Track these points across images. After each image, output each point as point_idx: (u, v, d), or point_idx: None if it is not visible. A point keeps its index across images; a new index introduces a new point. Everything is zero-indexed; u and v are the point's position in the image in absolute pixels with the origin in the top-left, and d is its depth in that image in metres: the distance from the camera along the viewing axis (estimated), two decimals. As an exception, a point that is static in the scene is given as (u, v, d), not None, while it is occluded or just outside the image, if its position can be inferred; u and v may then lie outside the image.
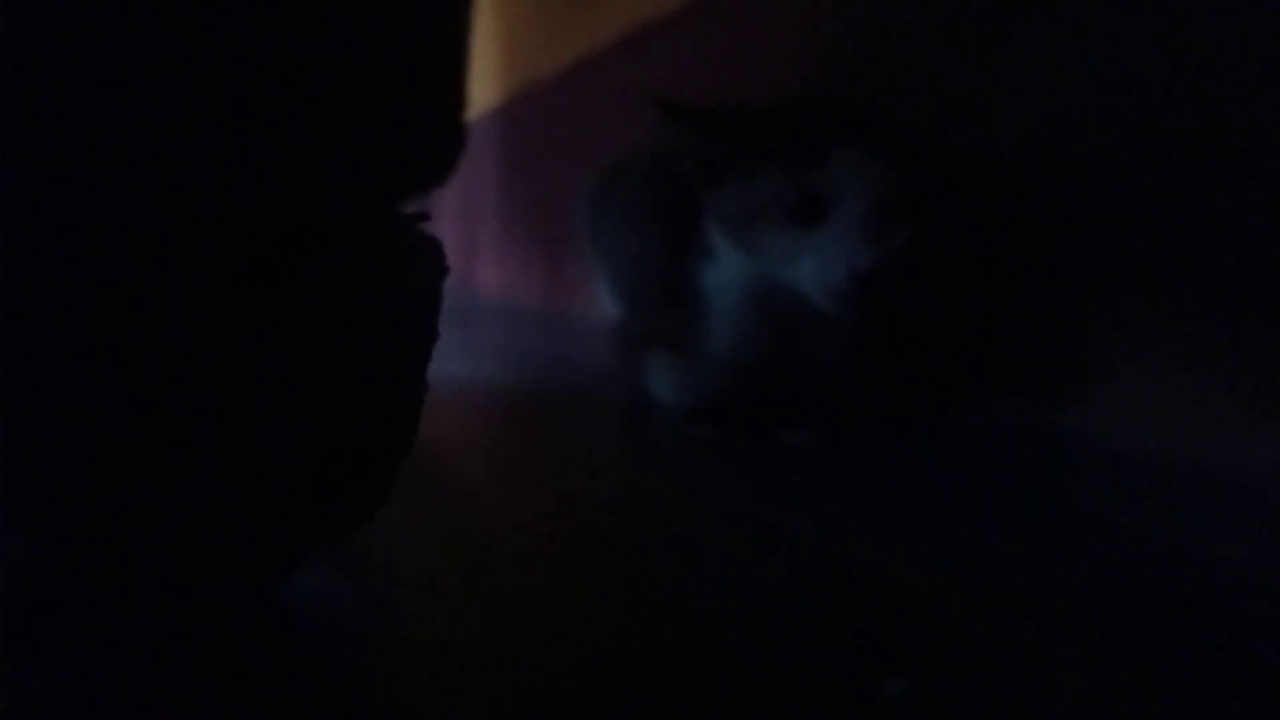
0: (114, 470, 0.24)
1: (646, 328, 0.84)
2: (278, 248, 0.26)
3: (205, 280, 0.24)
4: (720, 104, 0.77)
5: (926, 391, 0.84)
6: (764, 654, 0.33)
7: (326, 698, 0.30)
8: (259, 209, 0.25)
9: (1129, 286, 0.68)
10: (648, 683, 0.30)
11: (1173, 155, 0.65)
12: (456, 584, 0.39)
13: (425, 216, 0.32)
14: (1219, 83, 0.62)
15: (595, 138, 1.66)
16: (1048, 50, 0.74)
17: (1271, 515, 0.49)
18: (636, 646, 0.33)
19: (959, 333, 0.83)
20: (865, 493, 0.54)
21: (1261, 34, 0.60)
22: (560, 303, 1.83)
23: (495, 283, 2.28)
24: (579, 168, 1.47)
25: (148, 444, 0.24)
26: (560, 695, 0.30)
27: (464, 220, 2.52)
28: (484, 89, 2.27)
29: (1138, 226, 0.67)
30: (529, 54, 2.01)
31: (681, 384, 0.79)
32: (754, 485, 0.56)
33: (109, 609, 0.27)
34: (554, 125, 1.88)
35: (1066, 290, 0.73)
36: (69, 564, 0.25)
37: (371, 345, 0.29)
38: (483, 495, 0.53)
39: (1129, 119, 0.68)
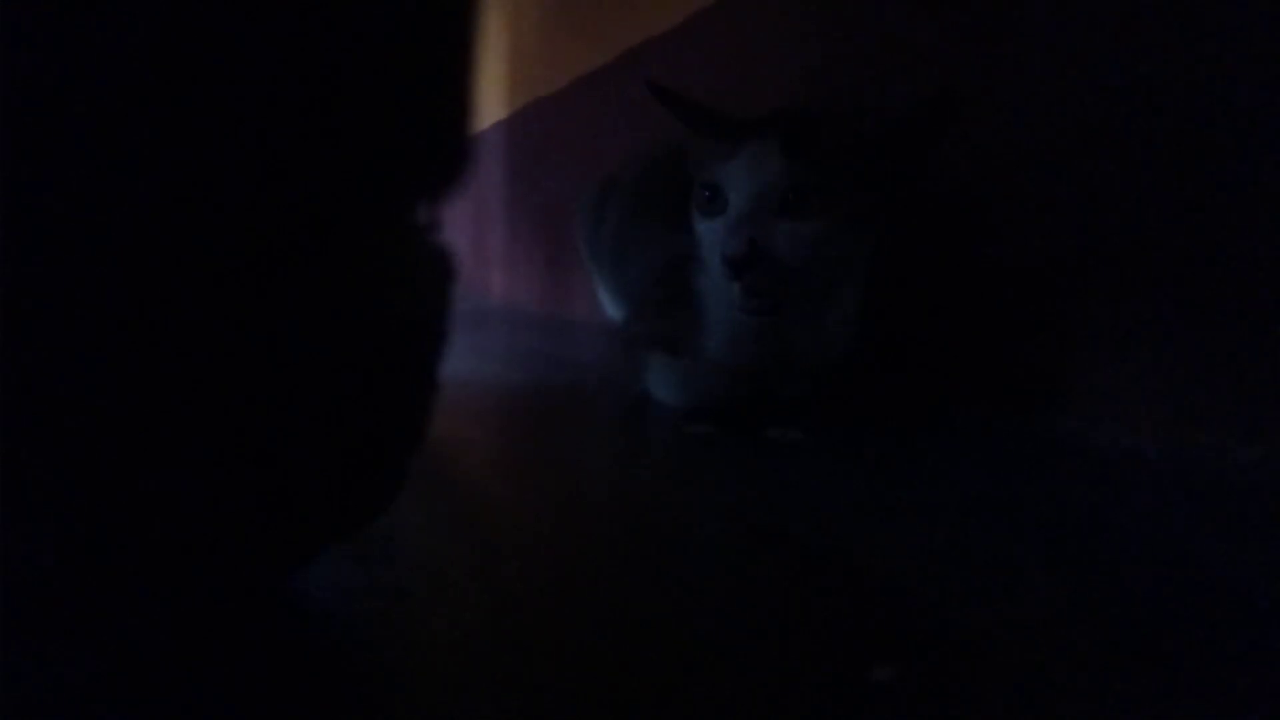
0: (138, 464, 0.24)
1: (645, 330, 0.84)
2: (297, 254, 0.26)
3: (226, 282, 0.24)
4: (704, 104, 0.78)
5: (916, 391, 0.84)
6: (756, 641, 0.33)
7: (341, 685, 0.30)
8: (279, 216, 0.25)
9: (1120, 288, 0.68)
10: (647, 669, 0.30)
11: (1157, 157, 0.65)
12: (466, 575, 0.39)
13: (437, 225, 0.32)
14: (1203, 84, 0.62)
15: (596, 150, 1.66)
16: (1031, 56, 0.74)
17: (1259, 512, 0.49)
18: (636, 634, 0.33)
19: (949, 333, 0.83)
20: (855, 489, 0.54)
21: (1249, 35, 0.60)
22: (563, 307, 1.83)
23: (502, 288, 2.28)
24: (581, 178, 1.47)
25: (170, 440, 0.24)
26: (565, 681, 0.29)
27: (472, 228, 2.52)
28: (491, 103, 2.27)
29: (1126, 230, 0.67)
30: (534, 70, 2.01)
31: (679, 384, 0.79)
32: (748, 481, 0.56)
33: (128, 601, 0.27)
34: (557, 138, 1.88)
35: (1056, 291, 0.73)
36: (89, 556, 0.25)
37: (386, 347, 0.29)
38: (491, 490, 0.53)
39: (1116, 121, 0.68)
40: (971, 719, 0.28)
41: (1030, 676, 0.30)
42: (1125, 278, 0.67)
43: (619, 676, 0.30)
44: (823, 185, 0.68)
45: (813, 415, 0.75)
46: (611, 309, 1.18)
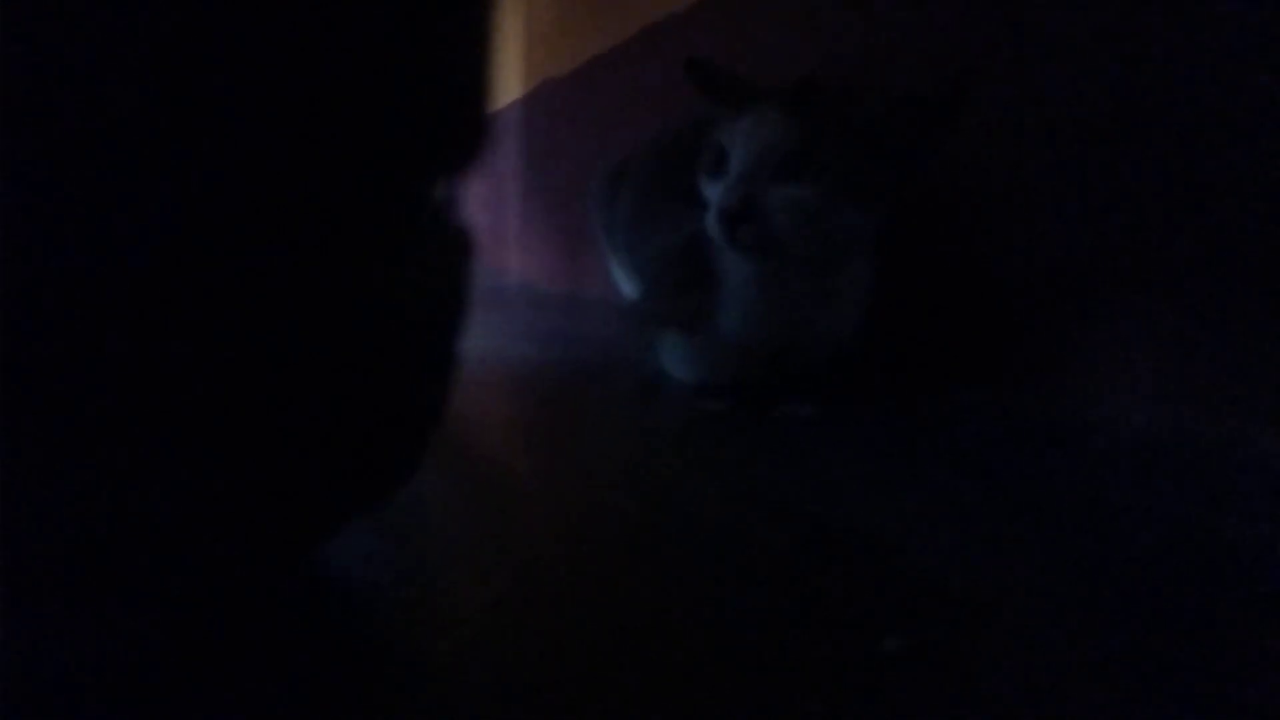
0: (154, 443, 0.25)
1: (660, 308, 0.85)
2: (318, 232, 0.26)
3: (250, 259, 0.25)
4: (737, 79, 0.79)
5: (927, 369, 0.84)
6: (769, 613, 0.33)
7: (364, 654, 0.31)
8: (300, 195, 0.25)
9: (1132, 269, 0.68)
10: (662, 640, 0.31)
11: (1155, 144, 0.65)
12: (486, 546, 0.40)
13: (456, 202, 0.32)
14: (1203, 78, 0.62)
15: (611, 129, 1.66)
16: (1037, 49, 0.74)
17: (1265, 490, 0.49)
18: (653, 605, 0.34)
19: (960, 313, 0.83)
20: (866, 465, 0.54)
21: (1240, 33, 0.59)
22: (579, 285, 1.83)
23: (518, 266, 2.28)
24: (595, 157, 1.46)
25: (198, 413, 0.25)
26: (584, 651, 0.30)
27: (488, 207, 2.52)
28: (506, 82, 2.27)
29: (1137, 211, 0.67)
30: (549, 49, 2.00)
31: (693, 361, 0.80)
32: (760, 457, 0.56)
33: (156, 573, 0.28)
34: (572, 117, 1.87)
35: (1067, 272, 0.73)
36: (119, 528, 0.25)
37: (407, 323, 0.29)
38: (509, 465, 0.53)
39: (1122, 107, 0.68)
40: (980, 688, 0.28)
41: (1037, 648, 0.31)
42: (1137, 259, 0.67)
43: (637, 647, 0.30)
44: (824, 152, 0.68)
45: (824, 391, 0.75)
46: (626, 287, 1.18)
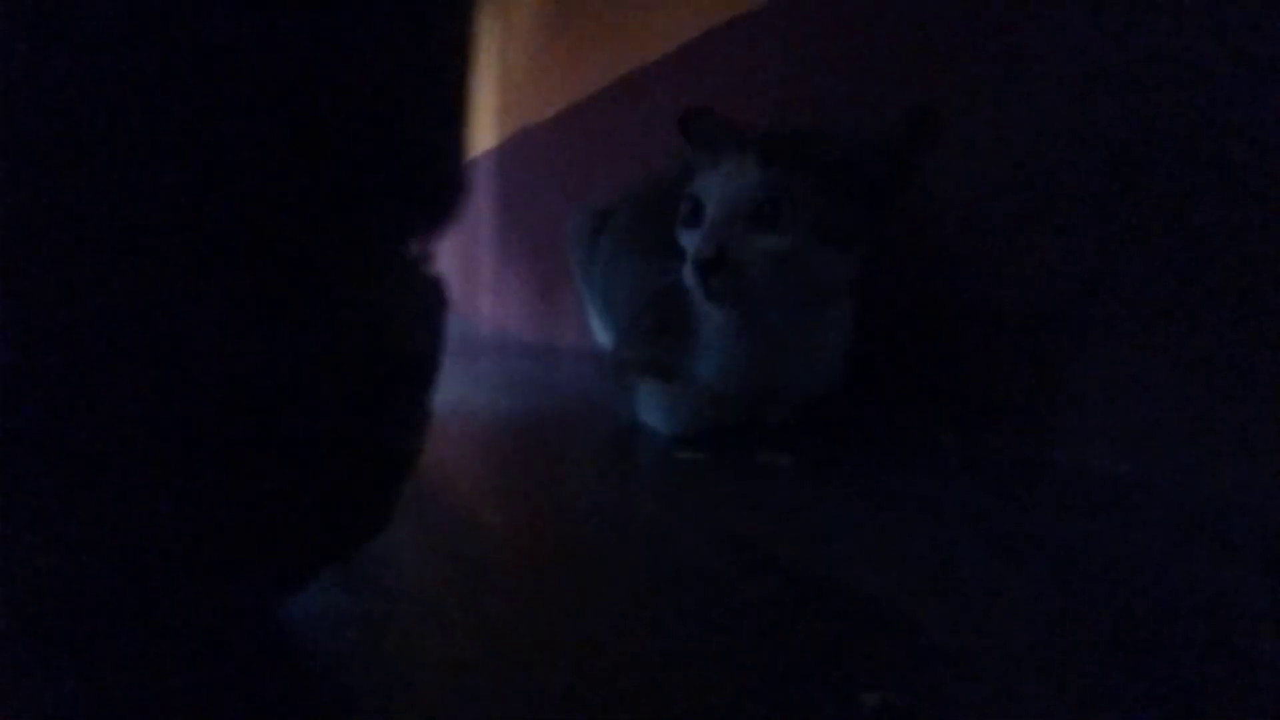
0: (121, 491, 0.24)
1: (636, 356, 0.85)
2: (291, 285, 0.26)
3: (220, 312, 0.24)
4: (729, 126, 0.81)
5: (905, 417, 0.85)
6: (745, 666, 0.33)
7: (328, 712, 0.30)
8: (273, 248, 0.25)
9: (1110, 317, 0.69)
10: (637, 696, 0.30)
11: (1148, 181, 0.66)
12: (456, 602, 0.39)
13: (429, 256, 0.32)
14: (1173, 122, 0.63)
15: (586, 178, 1.67)
16: (1022, 81, 0.76)
17: (1244, 536, 0.50)
18: (627, 662, 0.33)
19: (939, 358, 0.84)
20: (844, 514, 0.54)
21: (1227, 42, 0.61)
22: (553, 334, 1.83)
23: (492, 315, 2.28)
24: (570, 206, 1.48)
25: (156, 465, 0.24)
26: (552, 709, 0.29)
27: (462, 255, 2.52)
28: (481, 131, 2.29)
29: (1114, 259, 0.68)
30: (523, 98, 2.03)
31: (669, 410, 0.80)
32: (738, 506, 0.56)
33: (114, 626, 0.27)
34: (547, 166, 1.89)
35: (1045, 319, 0.74)
36: (75, 581, 0.25)
37: (378, 376, 0.29)
38: (480, 517, 0.53)
39: (1109, 146, 0.69)
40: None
41: (1018, 702, 0.30)
42: (1114, 306, 0.68)
43: (607, 703, 0.30)
44: (797, 199, 0.70)
45: (802, 441, 0.76)
46: (602, 336, 1.18)
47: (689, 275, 0.72)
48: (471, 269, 2.46)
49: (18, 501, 0.23)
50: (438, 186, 0.30)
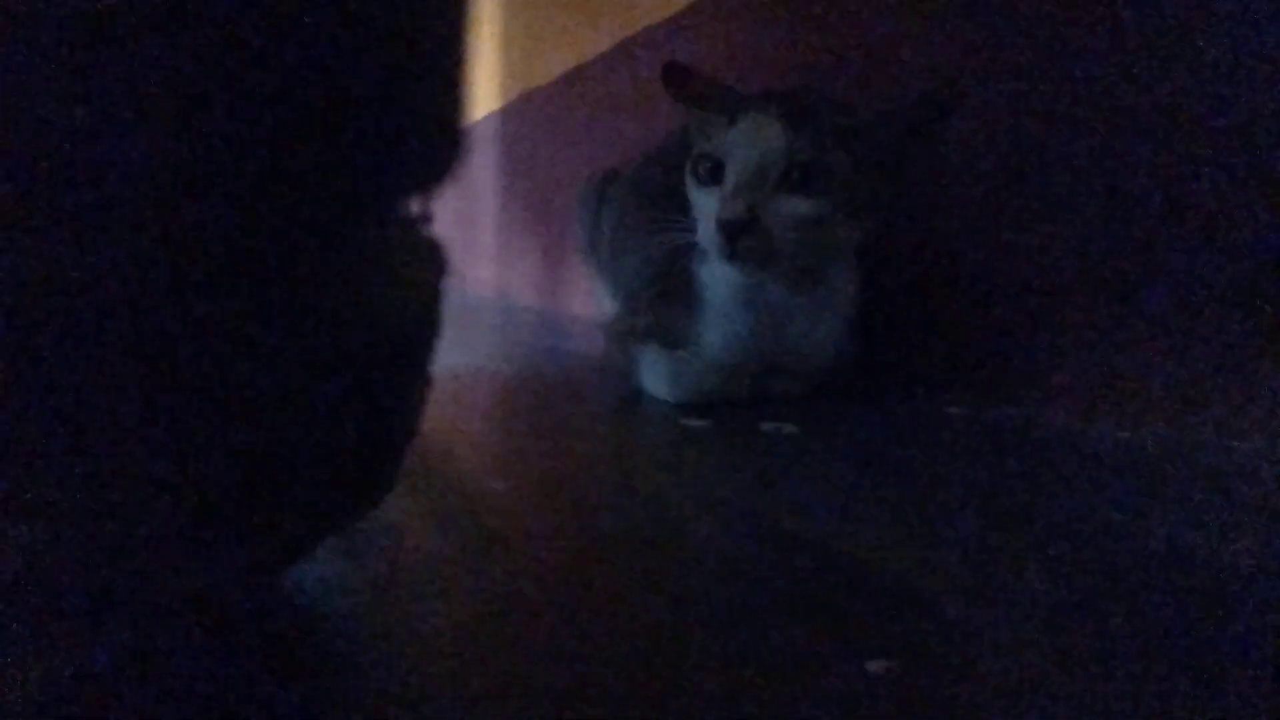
0: (121, 458, 0.24)
1: (641, 323, 0.85)
2: (288, 248, 0.26)
3: (217, 277, 0.24)
4: (714, 85, 0.79)
5: (911, 385, 0.85)
6: (750, 634, 0.33)
7: (332, 679, 0.30)
8: (270, 210, 0.25)
9: (1116, 282, 0.68)
10: (641, 662, 0.31)
11: (1135, 147, 0.65)
12: (460, 568, 0.39)
13: (428, 218, 0.32)
14: (1167, 86, 0.63)
15: (589, 142, 1.66)
16: (1022, 55, 0.75)
17: (1256, 504, 0.49)
18: (630, 627, 0.33)
19: (945, 327, 0.83)
20: (848, 482, 0.54)
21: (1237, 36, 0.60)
22: (556, 301, 1.82)
23: (494, 281, 2.27)
24: (574, 170, 1.47)
25: (156, 433, 0.24)
26: (557, 676, 0.30)
27: (465, 221, 2.51)
28: (484, 94, 2.27)
29: (1121, 220, 0.67)
30: (526, 61, 2.01)
31: (672, 378, 0.79)
32: (742, 474, 0.56)
33: (118, 595, 0.27)
34: (550, 129, 1.88)
35: (1052, 283, 0.73)
36: (78, 552, 0.25)
37: (378, 340, 0.29)
38: (483, 484, 0.53)
39: (1112, 110, 0.68)
40: (965, 710, 0.28)
41: (1023, 668, 0.30)
42: (1121, 270, 0.67)
43: (612, 670, 0.30)
44: (822, 163, 0.69)
45: (808, 410, 0.75)
46: (607, 302, 1.18)
47: (709, 236, 0.70)
48: (474, 235, 2.45)
49: (20, 469, 0.23)
50: (435, 141, 0.29)
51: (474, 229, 2.45)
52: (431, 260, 0.32)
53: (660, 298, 0.84)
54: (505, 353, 1.15)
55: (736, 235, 0.68)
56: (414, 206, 0.31)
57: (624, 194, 1.08)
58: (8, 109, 0.21)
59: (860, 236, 0.75)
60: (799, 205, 0.69)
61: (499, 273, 2.25)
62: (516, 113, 2.08)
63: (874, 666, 0.30)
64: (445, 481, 0.53)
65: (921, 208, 0.85)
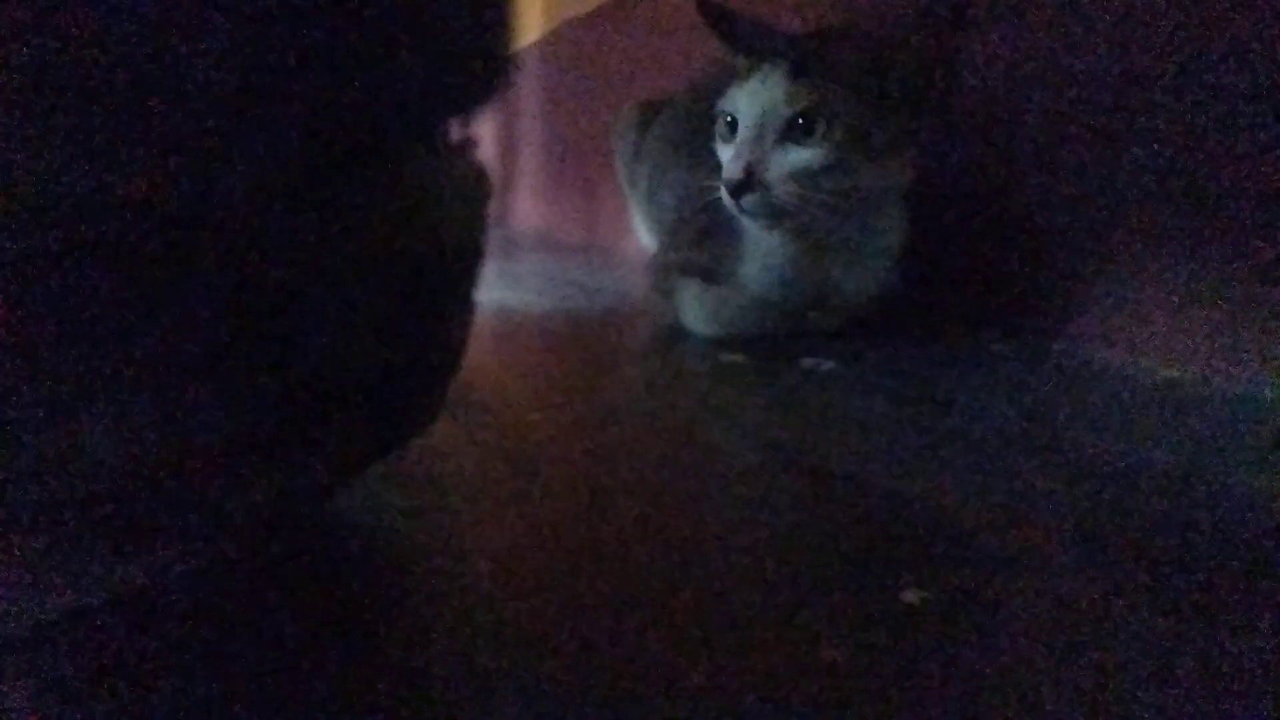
0: (166, 386, 0.25)
1: (681, 258, 0.84)
2: (333, 170, 0.26)
3: (263, 200, 0.24)
4: (753, 20, 0.78)
5: (952, 322, 0.84)
6: (788, 565, 0.33)
7: (379, 600, 0.31)
8: (315, 132, 0.25)
9: (1160, 223, 0.66)
10: (677, 592, 0.31)
11: (1177, 107, 0.63)
12: (502, 496, 0.40)
13: (472, 143, 0.31)
14: (1214, 38, 0.60)
15: (630, 73, 1.63)
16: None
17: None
18: (669, 556, 0.34)
19: (989, 263, 0.82)
20: (887, 419, 0.54)
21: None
22: (596, 234, 1.82)
23: (534, 214, 2.27)
24: (614, 101, 1.44)
25: (212, 354, 0.25)
26: (596, 600, 0.30)
27: (504, 153, 2.50)
28: (527, 22, 2.23)
29: (1161, 164, 0.65)
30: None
31: (711, 313, 0.79)
32: (781, 409, 0.56)
33: (171, 517, 0.28)
34: (590, 60, 1.85)
35: (1096, 223, 0.72)
36: (135, 470, 0.25)
37: (422, 265, 0.29)
38: (525, 415, 0.53)
39: (1142, 53, 0.66)
40: (998, 641, 0.28)
41: (1056, 600, 0.31)
42: (1164, 211, 0.65)
43: (652, 596, 0.31)
44: (829, 110, 0.68)
45: (848, 346, 0.75)
46: (646, 236, 1.17)
47: (724, 195, 0.71)
48: (514, 167, 2.44)
49: (74, 393, 0.24)
50: (481, 65, 0.29)
51: (514, 161, 2.44)
52: (475, 185, 0.32)
53: (701, 234, 0.83)
54: (544, 287, 1.15)
55: (740, 195, 0.70)
56: (459, 131, 0.31)
57: (666, 127, 1.06)
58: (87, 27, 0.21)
59: (904, 177, 0.73)
60: (800, 155, 0.69)
61: (539, 205, 2.24)
62: (557, 42, 2.05)
63: (909, 596, 0.31)
64: (486, 412, 0.54)
65: (966, 145, 0.83)
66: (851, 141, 0.68)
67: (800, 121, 0.68)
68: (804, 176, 0.69)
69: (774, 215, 0.71)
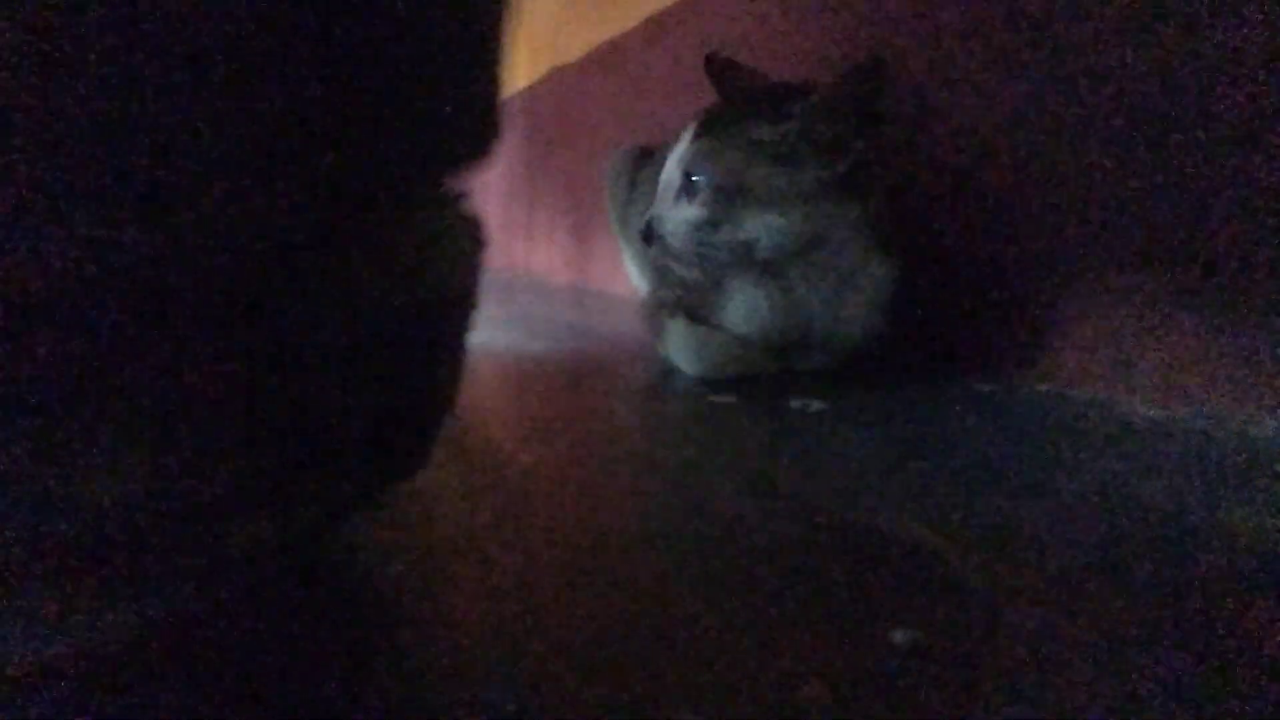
0: (162, 428, 0.25)
1: (670, 298, 0.85)
2: (329, 223, 0.26)
3: (260, 251, 0.25)
4: (752, 76, 0.81)
5: (939, 362, 0.85)
6: (777, 605, 0.33)
7: (366, 642, 0.31)
8: (311, 186, 0.25)
9: (1145, 260, 0.68)
10: (668, 633, 0.31)
11: (1140, 129, 0.64)
12: (493, 537, 0.40)
13: (466, 194, 0.32)
14: (1193, 68, 0.62)
15: (617, 118, 1.66)
16: (1019, 46, 0.74)
17: (1269, 482, 0.49)
18: (657, 598, 0.34)
19: (973, 305, 0.83)
20: (875, 458, 0.54)
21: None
22: (585, 276, 1.83)
23: (524, 257, 2.28)
24: (602, 147, 1.47)
25: (201, 407, 0.25)
26: (586, 643, 0.31)
27: (494, 197, 2.52)
28: (515, 70, 2.27)
29: (1143, 200, 0.67)
30: (555, 38, 2.00)
31: (698, 352, 0.80)
32: (770, 449, 0.56)
33: (163, 559, 0.28)
34: (578, 106, 1.87)
35: (1079, 261, 0.73)
36: (128, 513, 0.26)
37: (416, 314, 0.30)
38: (516, 456, 0.54)
39: (1117, 88, 0.67)
40: (989, 681, 0.28)
41: (1047, 640, 0.31)
42: (1149, 249, 0.67)
43: (643, 638, 0.31)
44: (716, 169, 0.73)
45: (836, 387, 0.76)
46: (638, 279, 1.18)
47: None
48: (504, 212, 2.46)
49: (71, 437, 0.24)
50: (475, 121, 0.30)
51: (504, 205, 2.46)
52: (471, 235, 0.33)
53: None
54: (535, 329, 1.16)
55: (649, 244, 0.79)
56: (453, 183, 0.31)
57: (655, 170, 1.08)
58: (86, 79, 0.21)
59: (848, 223, 0.74)
60: (685, 212, 0.75)
61: (529, 249, 2.25)
62: (544, 90, 2.08)
63: (899, 637, 0.31)
64: (478, 453, 0.54)
65: (938, 187, 0.84)
66: (729, 197, 0.72)
67: (687, 180, 0.75)
68: (690, 230, 0.74)
69: (681, 261, 0.78)
